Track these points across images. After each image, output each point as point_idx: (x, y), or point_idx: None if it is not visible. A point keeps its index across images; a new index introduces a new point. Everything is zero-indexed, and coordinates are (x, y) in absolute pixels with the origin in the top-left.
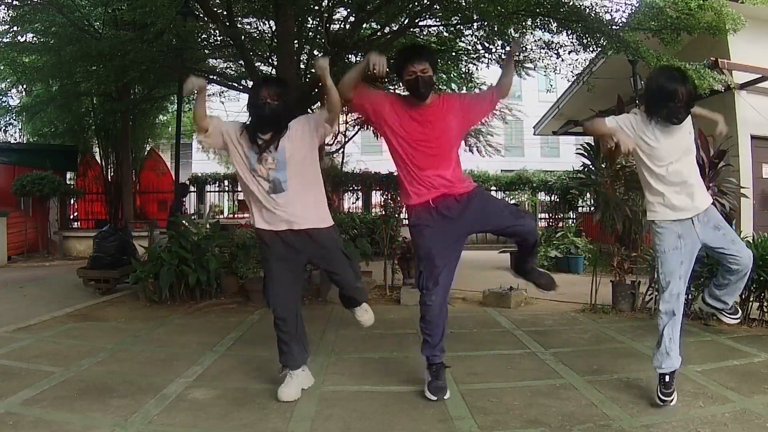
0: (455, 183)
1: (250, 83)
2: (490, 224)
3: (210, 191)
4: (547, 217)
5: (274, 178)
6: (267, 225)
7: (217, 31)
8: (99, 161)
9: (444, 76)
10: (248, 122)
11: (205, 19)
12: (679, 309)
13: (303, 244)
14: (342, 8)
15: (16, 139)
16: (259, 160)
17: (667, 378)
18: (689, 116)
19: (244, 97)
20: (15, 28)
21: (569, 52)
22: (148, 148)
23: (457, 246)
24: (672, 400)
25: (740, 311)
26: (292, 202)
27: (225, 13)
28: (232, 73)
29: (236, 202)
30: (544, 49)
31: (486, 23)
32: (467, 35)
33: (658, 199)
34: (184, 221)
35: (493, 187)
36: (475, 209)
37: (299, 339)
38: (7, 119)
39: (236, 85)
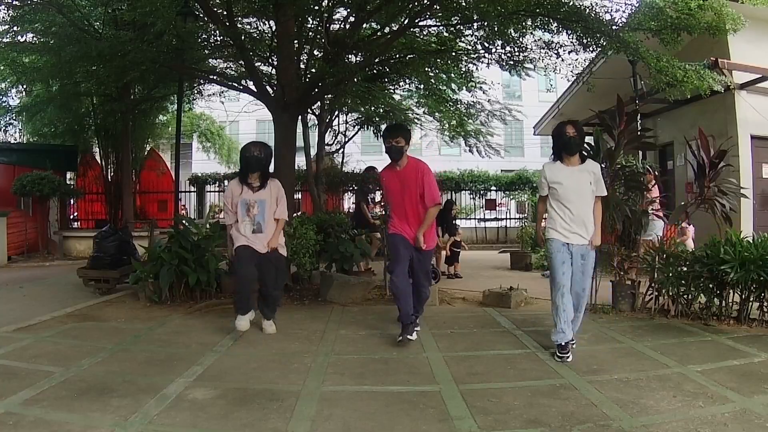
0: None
1: (251, 83)
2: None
3: (210, 191)
4: (547, 217)
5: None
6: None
7: (217, 31)
8: (99, 161)
9: (444, 76)
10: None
11: (205, 19)
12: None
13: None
14: (342, 8)
15: (16, 139)
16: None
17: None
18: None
19: (245, 97)
20: (15, 28)
21: (569, 52)
22: (148, 148)
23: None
24: (568, 357)
25: (570, 354)
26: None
27: (225, 13)
28: (232, 73)
29: None
30: (544, 49)
31: (486, 23)
32: (467, 35)
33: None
34: (184, 221)
35: (494, 187)
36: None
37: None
38: (7, 119)
39: (236, 85)
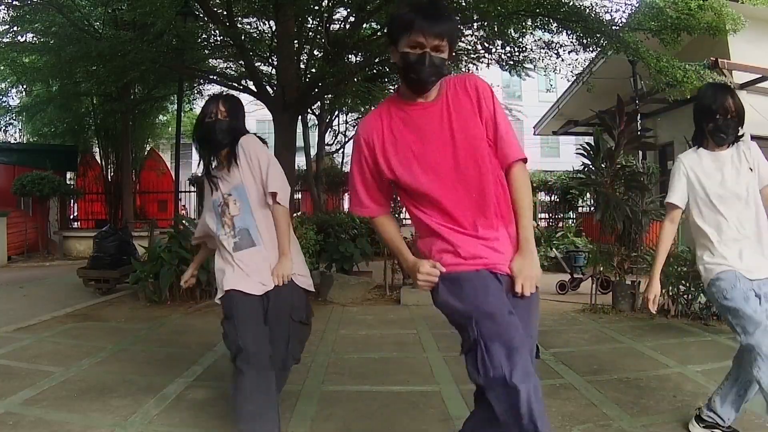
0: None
1: (251, 83)
2: None
3: None
4: (547, 217)
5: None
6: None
7: (217, 31)
8: (99, 161)
9: None
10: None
11: (205, 19)
12: None
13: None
14: (342, 8)
15: (16, 139)
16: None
17: None
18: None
19: (245, 97)
20: (15, 28)
21: (569, 52)
22: (148, 148)
23: None
24: None
25: None
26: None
27: (225, 13)
28: (232, 73)
29: None
30: (544, 49)
31: (486, 23)
32: (467, 35)
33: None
34: (184, 221)
35: None
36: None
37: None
38: (7, 119)
39: (236, 85)
